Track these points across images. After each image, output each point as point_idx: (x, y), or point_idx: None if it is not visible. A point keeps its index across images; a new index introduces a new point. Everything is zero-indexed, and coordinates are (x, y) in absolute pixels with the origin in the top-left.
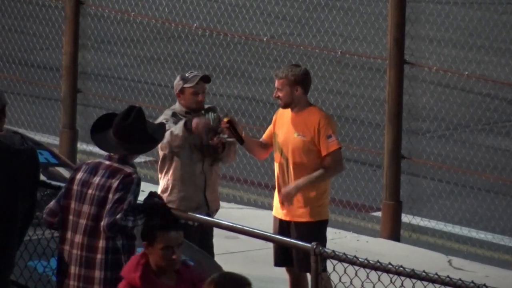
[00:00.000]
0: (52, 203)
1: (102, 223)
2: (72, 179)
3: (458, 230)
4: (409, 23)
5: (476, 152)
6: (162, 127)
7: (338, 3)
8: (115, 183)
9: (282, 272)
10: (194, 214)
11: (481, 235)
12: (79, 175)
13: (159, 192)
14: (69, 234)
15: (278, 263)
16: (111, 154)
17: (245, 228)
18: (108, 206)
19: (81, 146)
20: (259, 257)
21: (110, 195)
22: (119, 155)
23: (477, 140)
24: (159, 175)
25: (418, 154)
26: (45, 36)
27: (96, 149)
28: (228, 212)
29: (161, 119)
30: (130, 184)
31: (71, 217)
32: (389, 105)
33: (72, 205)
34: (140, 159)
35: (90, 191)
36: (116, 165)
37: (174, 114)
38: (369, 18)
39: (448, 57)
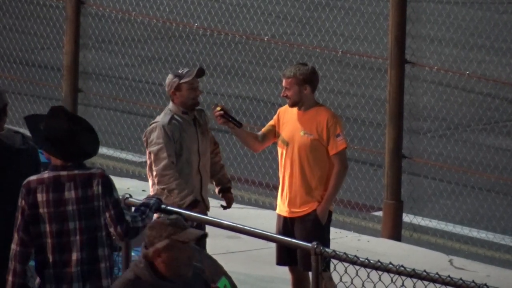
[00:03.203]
0: (19, 234)
1: (116, 230)
2: (33, 204)
3: (459, 230)
4: (410, 22)
5: (477, 151)
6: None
7: (339, 2)
8: (97, 189)
9: (283, 272)
10: (195, 214)
11: (482, 234)
12: (41, 198)
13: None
14: (60, 256)
15: (281, 262)
16: (64, 163)
17: (246, 227)
18: (110, 213)
19: None
20: (260, 257)
21: (101, 203)
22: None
23: (478, 140)
24: (150, 178)
25: (419, 153)
26: (46, 35)
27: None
28: (229, 212)
29: (158, 141)
30: (110, 183)
31: (52, 240)
32: (390, 105)
33: (50, 228)
34: (141, 159)
35: (70, 208)
36: (77, 171)
37: (171, 120)
38: (370, 18)
39: (449, 56)
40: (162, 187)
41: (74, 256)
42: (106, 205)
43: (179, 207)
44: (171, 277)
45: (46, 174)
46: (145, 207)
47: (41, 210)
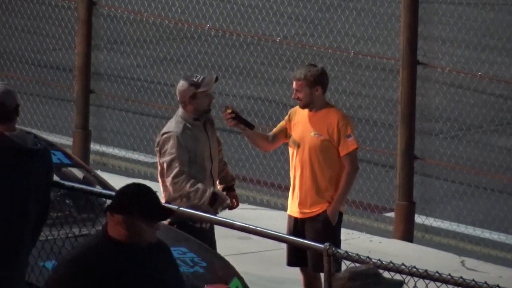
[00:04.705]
0: None
1: None
2: None
3: (471, 231)
4: (422, 23)
5: (489, 153)
6: None
7: (351, 3)
8: None
9: (294, 273)
10: (208, 215)
11: (494, 236)
12: None
13: (163, 201)
14: None
15: (291, 262)
16: None
17: (258, 228)
18: None
19: (94, 146)
20: (271, 258)
21: None
22: None
23: (490, 141)
24: (161, 183)
25: (431, 154)
26: (58, 36)
27: (109, 150)
28: (241, 213)
29: (171, 151)
30: None
31: None
32: (402, 106)
33: None
34: (153, 159)
35: None
36: None
37: (184, 129)
38: (382, 19)
39: (461, 58)
40: (178, 194)
41: None
42: None
43: (200, 207)
44: None
45: None
46: None
47: None
